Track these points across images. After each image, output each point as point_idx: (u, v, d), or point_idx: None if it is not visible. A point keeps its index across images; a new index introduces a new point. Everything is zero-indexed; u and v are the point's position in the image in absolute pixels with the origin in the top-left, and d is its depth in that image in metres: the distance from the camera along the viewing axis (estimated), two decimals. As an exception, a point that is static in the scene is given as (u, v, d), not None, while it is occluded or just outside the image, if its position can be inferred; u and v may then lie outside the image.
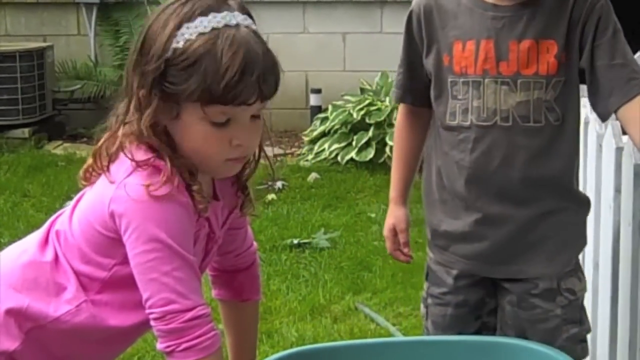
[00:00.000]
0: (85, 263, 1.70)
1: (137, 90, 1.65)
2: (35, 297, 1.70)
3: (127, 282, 1.67)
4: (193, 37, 1.61)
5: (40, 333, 1.71)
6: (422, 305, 2.42)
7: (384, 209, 5.28)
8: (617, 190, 2.56)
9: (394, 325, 3.70)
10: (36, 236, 1.77)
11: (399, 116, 2.42)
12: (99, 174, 1.71)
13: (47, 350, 1.73)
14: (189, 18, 1.62)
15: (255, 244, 1.97)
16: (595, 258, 2.88)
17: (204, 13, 1.63)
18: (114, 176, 1.66)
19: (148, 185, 1.61)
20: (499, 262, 2.22)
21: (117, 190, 1.63)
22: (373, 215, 5.19)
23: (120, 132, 1.69)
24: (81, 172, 1.74)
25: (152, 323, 1.63)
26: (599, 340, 2.86)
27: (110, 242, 1.67)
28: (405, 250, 2.39)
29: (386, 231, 2.41)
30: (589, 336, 2.93)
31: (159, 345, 1.63)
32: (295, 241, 4.67)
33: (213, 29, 1.61)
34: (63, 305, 1.70)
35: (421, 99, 2.28)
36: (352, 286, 4.10)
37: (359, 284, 4.13)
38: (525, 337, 2.25)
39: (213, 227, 1.77)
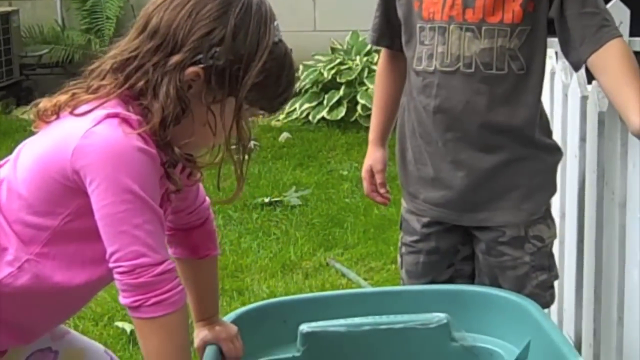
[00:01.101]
0: (33, 214, 1.61)
1: (178, 62, 1.58)
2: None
3: (77, 236, 1.62)
4: (276, 39, 1.64)
5: None
6: (398, 255, 2.45)
7: (355, 166, 5.29)
8: (582, 139, 2.57)
9: (365, 280, 3.71)
10: None
11: (380, 61, 2.44)
12: (57, 118, 1.63)
13: None
14: (273, 18, 1.67)
15: (208, 199, 1.93)
16: (562, 208, 2.90)
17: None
18: (79, 124, 1.57)
19: (118, 135, 1.55)
20: (466, 210, 2.23)
21: (83, 139, 1.55)
22: (345, 173, 5.20)
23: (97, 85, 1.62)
24: (35, 113, 1.66)
25: (117, 277, 1.58)
26: (565, 288, 2.89)
27: (65, 191, 1.59)
28: (382, 191, 2.40)
29: (363, 172, 2.42)
30: (555, 283, 2.97)
31: (124, 300, 1.59)
32: (267, 199, 4.66)
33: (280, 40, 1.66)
34: (3, 267, 1.61)
35: (398, 43, 2.28)
36: (323, 242, 4.11)
37: (330, 241, 4.13)
38: (498, 284, 2.27)
39: (169, 187, 1.73)
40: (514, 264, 2.25)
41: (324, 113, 6.11)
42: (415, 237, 2.32)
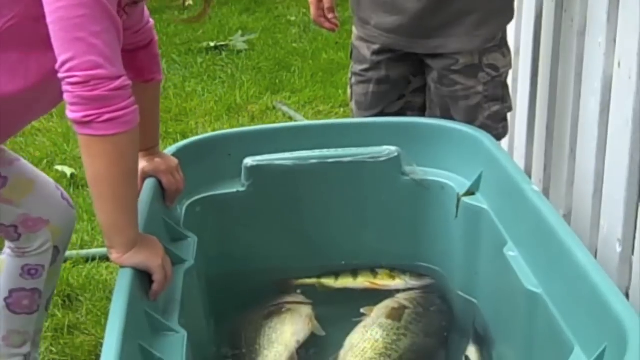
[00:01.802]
0: None
1: None
2: None
3: (21, 43, 1.49)
4: None
5: None
6: (348, 87, 2.35)
7: (303, 12, 5.10)
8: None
9: (313, 123, 3.63)
10: None
11: None
12: None
13: None
14: None
15: (152, 20, 1.82)
16: (516, 44, 2.81)
17: None
18: None
19: None
20: (419, 36, 2.13)
21: None
22: (293, 18, 5.03)
23: None
24: None
25: (67, 88, 1.43)
26: (517, 125, 2.84)
27: None
28: (330, 16, 2.27)
29: None
30: (508, 116, 2.92)
31: (73, 115, 1.44)
32: (212, 44, 4.50)
33: None
34: None
35: None
36: (270, 86, 3.99)
37: (278, 84, 4.02)
38: (450, 116, 2.19)
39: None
40: (467, 94, 2.16)
41: (270, -44, 5.87)
42: (365, 66, 2.22)
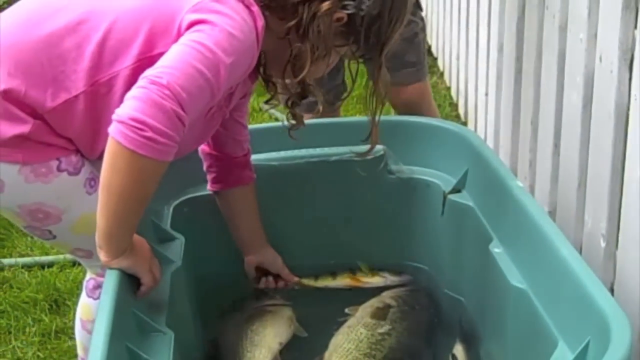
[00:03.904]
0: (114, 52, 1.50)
1: None
2: (33, 83, 1.51)
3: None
4: None
5: (47, 116, 1.53)
6: None
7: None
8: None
9: (300, 124, 3.63)
10: (62, 18, 1.53)
11: None
12: None
13: (57, 131, 1.55)
14: None
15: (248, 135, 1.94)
16: (500, 39, 2.83)
17: None
18: None
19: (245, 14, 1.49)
20: None
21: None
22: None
23: None
24: None
25: (143, 83, 1.36)
26: (502, 123, 2.85)
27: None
28: None
29: None
30: (492, 118, 2.95)
31: (123, 110, 1.35)
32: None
33: None
34: (61, 93, 1.51)
35: None
36: (256, 88, 3.98)
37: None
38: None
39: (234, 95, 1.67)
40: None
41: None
42: None
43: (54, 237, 1.65)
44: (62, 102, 1.52)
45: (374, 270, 2.11)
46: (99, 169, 1.43)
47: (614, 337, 1.28)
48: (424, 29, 2.53)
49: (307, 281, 2.07)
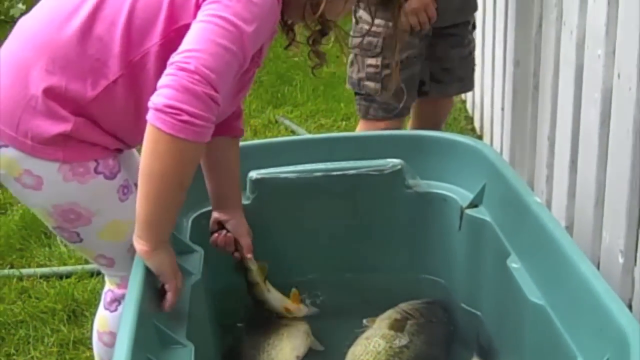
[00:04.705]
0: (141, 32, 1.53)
1: None
2: (72, 76, 1.54)
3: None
4: None
5: (86, 111, 1.56)
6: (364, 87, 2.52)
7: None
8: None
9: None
10: (85, 8, 1.56)
11: None
12: None
13: (99, 126, 1.59)
14: None
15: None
16: (516, 55, 2.83)
17: None
18: None
19: None
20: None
21: None
22: (294, 31, 5.06)
23: None
24: None
25: (171, 71, 1.40)
26: (518, 132, 2.86)
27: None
28: None
29: None
30: (507, 132, 2.95)
31: (158, 98, 1.40)
32: (213, 58, 4.52)
33: None
34: (101, 81, 1.55)
35: None
36: (272, 100, 4.01)
37: (279, 98, 4.04)
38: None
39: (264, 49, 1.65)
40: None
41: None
42: (412, 51, 2.49)
43: (81, 240, 1.68)
44: (102, 89, 1.56)
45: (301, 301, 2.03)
46: (132, 176, 1.45)
47: (633, 353, 1.28)
48: (475, 47, 2.73)
49: (255, 271, 1.93)
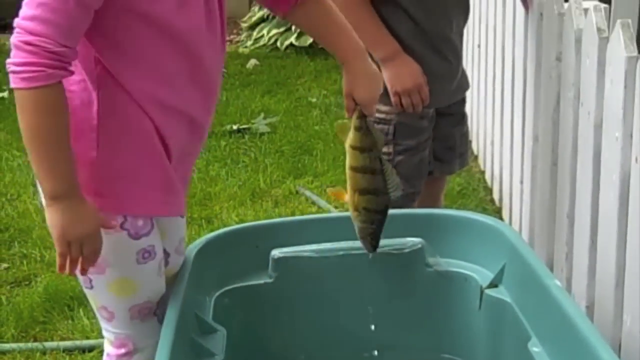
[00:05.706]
0: None
1: None
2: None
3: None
4: None
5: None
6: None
7: (324, 93, 5.21)
8: (558, 58, 2.52)
9: (335, 208, 3.67)
10: None
11: None
12: None
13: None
14: None
15: None
16: (534, 130, 2.86)
17: None
18: None
19: None
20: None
21: None
22: (314, 100, 5.12)
23: None
24: None
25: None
26: (537, 213, 2.87)
27: None
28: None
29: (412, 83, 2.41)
30: (528, 207, 2.96)
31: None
32: (235, 127, 4.58)
33: None
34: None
35: None
36: (292, 170, 4.05)
37: (300, 168, 4.08)
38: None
39: None
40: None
41: (292, 39, 6.00)
42: (423, 136, 2.54)
43: (92, 287, 1.73)
44: (97, 93, 1.62)
45: None
46: (167, 244, 1.55)
47: None
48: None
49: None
